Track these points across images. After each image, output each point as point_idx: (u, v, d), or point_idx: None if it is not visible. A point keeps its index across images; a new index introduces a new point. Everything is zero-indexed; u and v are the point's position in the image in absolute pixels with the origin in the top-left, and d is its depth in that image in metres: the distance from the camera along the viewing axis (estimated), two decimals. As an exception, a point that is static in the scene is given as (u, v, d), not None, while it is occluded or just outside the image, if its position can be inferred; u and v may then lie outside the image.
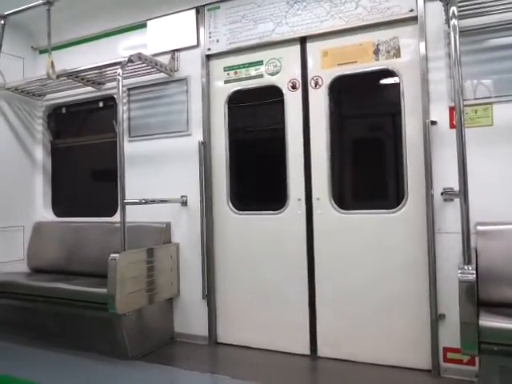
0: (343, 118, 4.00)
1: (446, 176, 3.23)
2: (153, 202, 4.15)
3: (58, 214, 5.34)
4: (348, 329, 3.68)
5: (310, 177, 3.85)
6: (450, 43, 2.79)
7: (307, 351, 3.84)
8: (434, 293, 3.29)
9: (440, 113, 3.35)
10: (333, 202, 3.77)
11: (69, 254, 4.82)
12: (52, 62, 4.30)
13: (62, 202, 5.42)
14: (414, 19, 3.46)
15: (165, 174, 4.44)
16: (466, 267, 2.60)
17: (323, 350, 3.79)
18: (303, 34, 3.88)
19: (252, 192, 4.43)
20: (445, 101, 3.34)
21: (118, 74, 3.92)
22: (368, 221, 3.66)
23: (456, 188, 2.77)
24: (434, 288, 3.29)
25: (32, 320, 4.38)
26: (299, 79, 3.93)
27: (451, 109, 3.25)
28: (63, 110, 5.33)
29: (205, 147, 4.22)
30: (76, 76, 4.53)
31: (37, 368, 3.70)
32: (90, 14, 4.68)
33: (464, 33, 3.08)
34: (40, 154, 5.35)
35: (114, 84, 4.33)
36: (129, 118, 4.65)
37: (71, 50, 4.97)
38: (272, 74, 4.05)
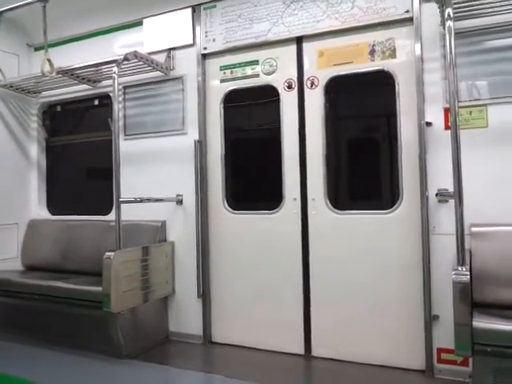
0: (339, 118, 4.00)
1: (441, 177, 3.24)
2: (148, 200, 4.16)
3: (52, 212, 5.33)
4: (342, 329, 3.69)
5: (305, 177, 3.86)
6: (445, 45, 2.80)
7: (301, 351, 3.85)
8: (428, 293, 3.31)
9: (435, 114, 3.36)
10: (328, 202, 3.78)
11: (63, 252, 4.80)
12: (49, 60, 4.28)
13: (57, 200, 5.40)
14: (410, 20, 3.47)
15: (160, 172, 4.43)
16: (459, 268, 2.61)
17: (317, 350, 3.80)
18: (299, 34, 3.88)
19: (247, 191, 4.43)
20: (440, 102, 3.35)
21: (114, 72, 3.90)
22: (363, 221, 3.67)
23: (450, 189, 2.77)
24: (428, 289, 3.31)
25: (26, 318, 4.38)
26: (295, 79, 3.93)
27: (446, 110, 3.26)
28: (58, 108, 5.30)
29: (200, 146, 4.22)
30: (71, 74, 4.51)
31: (31, 366, 3.70)
32: (86, 11, 4.65)
33: (459, 34, 3.09)
34: (35, 151, 5.33)
35: (109, 82, 4.31)
36: (124, 116, 4.64)
37: (66, 48, 4.94)
38: (268, 74, 4.05)
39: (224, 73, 4.24)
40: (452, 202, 2.76)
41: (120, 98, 4.51)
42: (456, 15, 2.90)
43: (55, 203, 5.39)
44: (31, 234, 5.15)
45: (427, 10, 3.37)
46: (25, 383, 3.37)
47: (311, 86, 3.86)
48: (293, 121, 3.92)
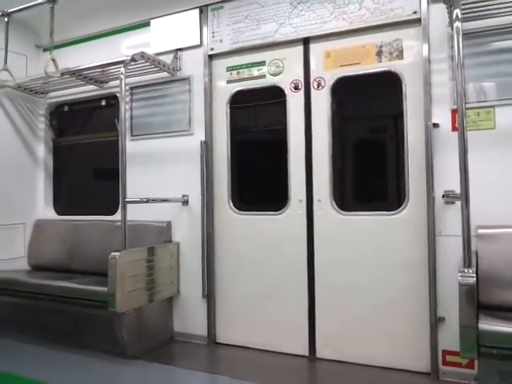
0: (345, 119, 3.98)
1: (448, 179, 3.22)
2: (154, 201, 4.16)
3: (59, 212, 5.35)
4: (347, 330, 3.68)
5: (311, 178, 3.85)
6: (453, 46, 2.77)
7: (306, 352, 3.83)
8: (433, 295, 3.29)
9: (442, 115, 3.34)
10: (334, 203, 3.77)
11: (69, 252, 4.82)
12: (54, 60, 4.31)
13: (64, 200, 5.42)
14: (418, 21, 3.46)
15: (166, 173, 4.44)
16: (466, 270, 2.59)
17: (322, 352, 3.78)
18: (306, 35, 3.88)
19: (253, 192, 4.42)
20: (447, 103, 3.33)
21: (121, 73, 3.89)
22: (369, 223, 3.66)
23: (457, 191, 2.74)
24: (434, 290, 3.30)
25: (32, 318, 4.39)
26: (302, 80, 3.93)
27: (453, 111, 3.24)
28: (66, 108, 5.33)
29: (206, 147, 4.23)
30: (79, 74, 4.54)
31: (36, 365, 3.71)
32: (94, 12, 4.68)
33: (467, 35, 3.09)
34: (42, 151, 5.36)
35: (116, 83, 4.33)
36: (131, 117, 4.66)
37: (74, 48, 4.98)
38: (274, 75, 4.05)
39: (230, 74, 4.24)
40: (459, 203, 2.74)
41: (127, 99, 4.51)
42: (464, 16, 2.89)
43: (61, 203, 5.42)
44: (37, 234, 5.17)
45: (435, 11, 3.36)
46: (30, 382, 3.37)
47: (318, 86, 3.86)
48: (299, 122, 3.91)
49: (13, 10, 4.47)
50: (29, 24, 4.99)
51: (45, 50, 5.16)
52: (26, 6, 4.36)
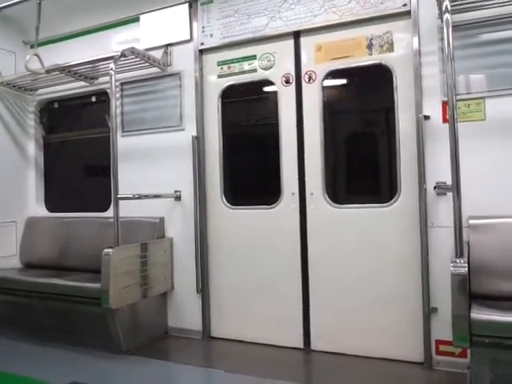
0: (337, 112, 3.99)
1: (439, 170, 3.25)
2: (146, 197, 4.17)
3: (50, 209, 5.32)
4: (341, 322, 3.70)
5: (303, 171, 3.86)
6: (442, 38, 2.79)
7: (301, 345, 3.85)
8: (426, 286, 3.31)
9: (433, 107, 3.36)
10: (326, 196, 3.78)
11: (62, 250, 4.80)
12: (38, 56, 4.27)
13: (55, 197, 5.39)
14: (408, 14, 3.47)
15: (158, 168, 4.43)
16: (458, 260, 2.62)
17: (316, 344, 3.80)
18: (297, 29, 3.87)
19: (246, 186, 4.43)
20: (438, 95, 3.34)
21: (111, 69, 3.90)
22: (361, 215, 3.68)
23: (449, 182, 2.78)
24: (427, 281, 3.31)
25: (25, 315, 4.37)
26: (293, 74, 3.93)
27: (444, 103, 3.26)
28: (56, 105, 5.30)
29: (198, 142, 4.22)
30: (68, 71, 4.49)
31: (30, 363, 3.69)
32: (83, 7, 4.65)
33: (457, 27, 3.09)
34: (32, 149, 5.32)
35: (106, 79, 4.30)
36: (122, 113, 4.63)
37: (63, 45, 4.94)
38: (265, 69, 4.05)
39: (221, 68, 4.23)
40: (450, 194, 2.77)
41: (117, 95, 4.51)
42: (453, 8, 2.91)
43: (53, 200, 5.38)
44: (29, 232, 5.14)
45: (425, 3, 3.37)
46: (24, 380, 3.36)
47: (309, 80, 3.86)
48: (291, 115, 3.92)
49: (-1, 5, 4.43)
50: (16, 20, 4.93)
51: (32, 46, 5.12)
52: (13, 1, 4.31)
